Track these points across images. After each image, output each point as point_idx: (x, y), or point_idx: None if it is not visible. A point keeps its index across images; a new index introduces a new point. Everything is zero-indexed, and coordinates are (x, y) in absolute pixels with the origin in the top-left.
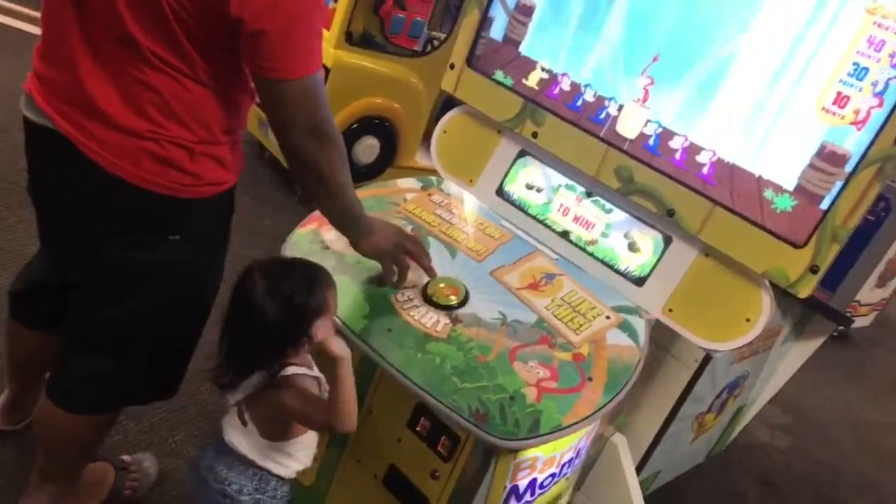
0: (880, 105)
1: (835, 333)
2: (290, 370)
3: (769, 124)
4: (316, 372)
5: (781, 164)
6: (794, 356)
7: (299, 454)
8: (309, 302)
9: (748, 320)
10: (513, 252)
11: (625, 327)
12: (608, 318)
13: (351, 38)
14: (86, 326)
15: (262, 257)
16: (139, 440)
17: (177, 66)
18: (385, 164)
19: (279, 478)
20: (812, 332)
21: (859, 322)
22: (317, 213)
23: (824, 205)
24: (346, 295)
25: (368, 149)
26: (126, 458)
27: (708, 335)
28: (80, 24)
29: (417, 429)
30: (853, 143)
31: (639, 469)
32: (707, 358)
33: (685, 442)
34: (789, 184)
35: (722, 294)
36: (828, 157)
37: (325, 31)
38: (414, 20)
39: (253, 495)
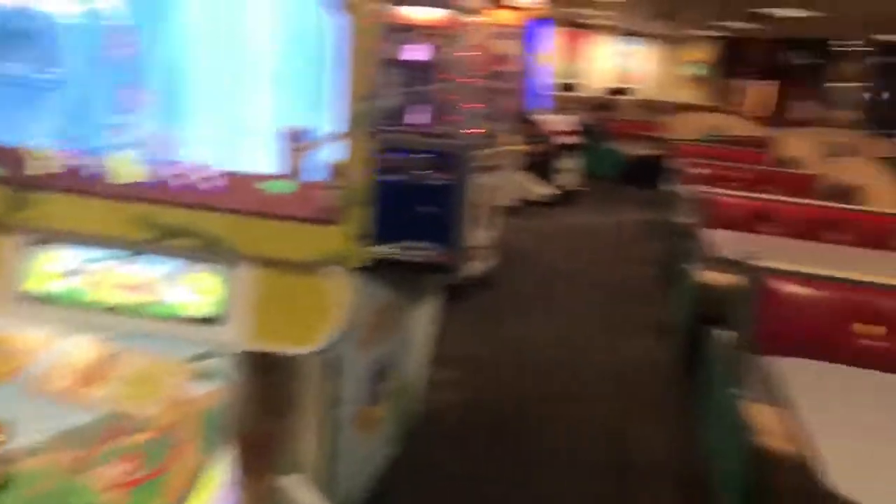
0: None
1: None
2: None
3: (237, 124)
4: None
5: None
6: (425, 319)
7: None
8: None
9: (330, 309)
10: (50, 353)
11: (204, 374)
12: (184, 372)
13: None
14: None
15: None
16: None
17: None
18: None
19: None
20: (431, 291)
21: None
22: None
23: (307, 176)
24: None
25: None
26: None
27: (302, 340)
28: None
29: None
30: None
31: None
32: (315, 359)
33: (362, 447)
34: (275, 169)
35: (297, 297)
36: (290, 138)
37: None
38: None
39: None
